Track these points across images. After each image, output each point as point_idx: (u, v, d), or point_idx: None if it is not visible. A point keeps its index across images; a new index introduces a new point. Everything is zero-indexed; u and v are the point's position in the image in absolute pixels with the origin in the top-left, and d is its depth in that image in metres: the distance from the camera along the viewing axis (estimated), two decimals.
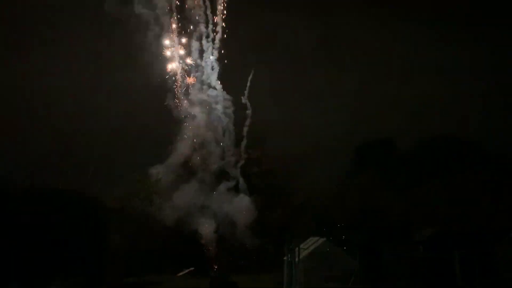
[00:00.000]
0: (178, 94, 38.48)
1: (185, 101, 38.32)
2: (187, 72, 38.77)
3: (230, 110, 39.64)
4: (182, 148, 38.65)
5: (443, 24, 60.41)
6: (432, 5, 63.65)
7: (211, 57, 38.38)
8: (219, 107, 39.16)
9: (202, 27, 38.23)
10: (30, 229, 16.40)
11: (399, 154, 52.11)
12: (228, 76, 40.70)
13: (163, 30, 37.34)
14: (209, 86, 38.84)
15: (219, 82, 38.84)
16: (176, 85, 38.46)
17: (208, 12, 37.90)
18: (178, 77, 38.40)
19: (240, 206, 39.80)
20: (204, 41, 38.39)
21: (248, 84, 40.24)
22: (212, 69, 38.69)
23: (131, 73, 40.84)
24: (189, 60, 38.21)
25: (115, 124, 44.88)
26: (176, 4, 37.51)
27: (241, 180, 41.05)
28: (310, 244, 27.07)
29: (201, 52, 38.67)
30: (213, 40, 38.49)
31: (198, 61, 38.65)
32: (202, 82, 38.96)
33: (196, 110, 38.53)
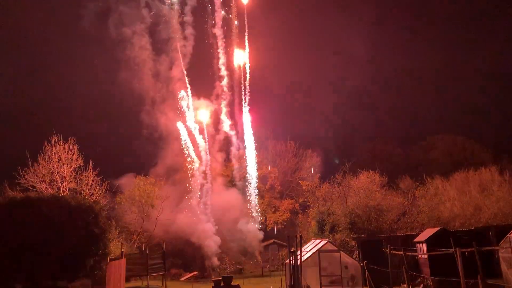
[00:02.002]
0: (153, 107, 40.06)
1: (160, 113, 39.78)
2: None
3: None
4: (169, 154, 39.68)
5: None
6: None
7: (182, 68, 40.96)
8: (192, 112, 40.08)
9: (173, 43, 40.19)
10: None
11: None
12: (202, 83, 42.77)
13: (137, 47, 39.09)
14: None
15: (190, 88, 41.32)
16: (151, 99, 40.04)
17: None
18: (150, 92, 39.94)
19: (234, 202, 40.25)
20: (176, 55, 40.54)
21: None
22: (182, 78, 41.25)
23: (110, 87, 42.75)
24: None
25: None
26: (151, 23, 39.71)
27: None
28: (313, 246, 27.00)
29: (171, 65, 40.51)
30: (184, 54, 41.08)
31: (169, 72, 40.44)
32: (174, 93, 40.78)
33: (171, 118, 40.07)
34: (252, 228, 40.53)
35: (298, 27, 64.46)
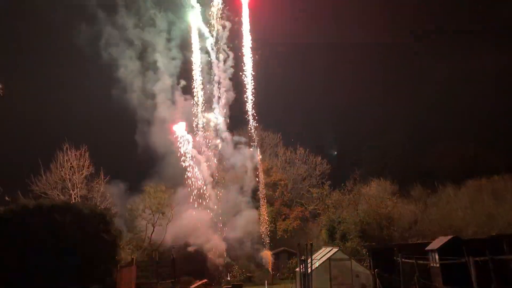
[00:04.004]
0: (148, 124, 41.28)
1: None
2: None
3: None
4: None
5: None
6: None
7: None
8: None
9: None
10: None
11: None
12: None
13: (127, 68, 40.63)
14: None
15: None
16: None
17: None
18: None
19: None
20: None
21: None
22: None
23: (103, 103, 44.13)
24: None
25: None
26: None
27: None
28: (323, 255, 26.85)
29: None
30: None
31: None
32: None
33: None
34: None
35: (303, 31, 64.64)
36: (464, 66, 58.83)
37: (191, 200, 40.59)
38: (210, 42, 42.89)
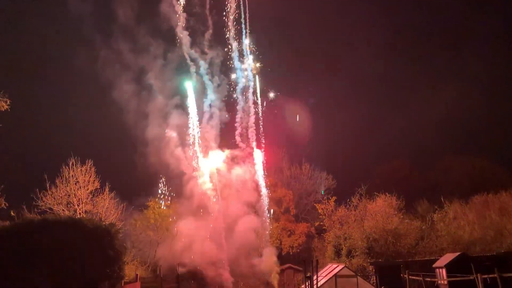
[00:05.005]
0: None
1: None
2: None
3: None
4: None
5: None
6: None
7: None
8: None
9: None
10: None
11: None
12: None
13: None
14: None
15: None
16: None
17: None
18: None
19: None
20: None
21: None
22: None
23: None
24: None
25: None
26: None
27: None
28: (329, 271, 26.57)
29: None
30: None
31: None
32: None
33: None
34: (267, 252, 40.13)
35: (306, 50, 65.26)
36: (471, 80, 58.88)
37: (192, 215, 40.41)
38: (204, 67, 43.55)
